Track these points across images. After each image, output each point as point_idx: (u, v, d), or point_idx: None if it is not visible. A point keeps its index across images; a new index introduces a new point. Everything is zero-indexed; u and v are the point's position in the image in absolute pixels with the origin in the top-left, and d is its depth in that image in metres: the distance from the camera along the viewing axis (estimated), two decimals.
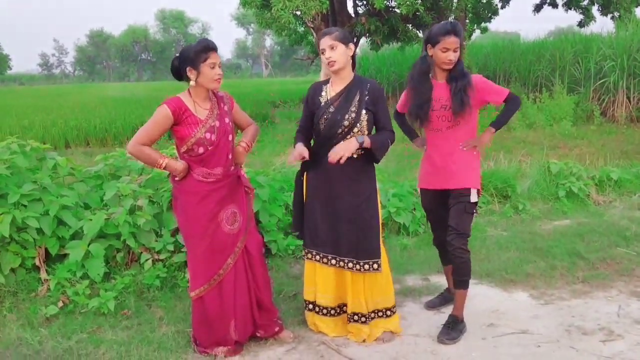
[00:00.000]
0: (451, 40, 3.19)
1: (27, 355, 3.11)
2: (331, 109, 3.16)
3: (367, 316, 3.30)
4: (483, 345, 3.26)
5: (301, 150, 3.13)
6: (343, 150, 3.05)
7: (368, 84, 3.19)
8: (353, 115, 3.12)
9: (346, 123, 3.12)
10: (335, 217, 3.23)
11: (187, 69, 2.96)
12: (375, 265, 3.22)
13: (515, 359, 3.09)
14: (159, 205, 4.18)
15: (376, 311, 3.32)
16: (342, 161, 3.05)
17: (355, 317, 3.31)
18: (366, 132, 3.16)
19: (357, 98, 3.14)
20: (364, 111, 3.13)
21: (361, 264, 3.21)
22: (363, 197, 3.21)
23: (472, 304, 3.69)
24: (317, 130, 3.23)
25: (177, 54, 3.05)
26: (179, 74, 3.04)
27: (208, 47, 2.96)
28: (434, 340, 3.30)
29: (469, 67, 17.21)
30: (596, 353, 3.13)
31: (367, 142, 3.12)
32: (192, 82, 2.98)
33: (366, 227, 3.21)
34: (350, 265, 3.23)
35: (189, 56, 2.95)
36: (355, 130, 3.13)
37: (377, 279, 3.27)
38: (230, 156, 3.12)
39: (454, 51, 3.22)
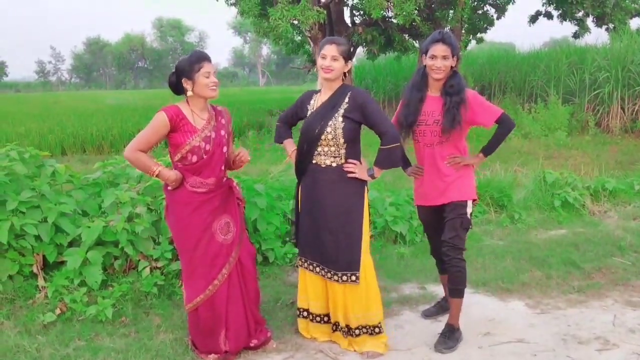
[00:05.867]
0: (438, 48, 3.23)
1: None
2: (311, 117, 3.23)
3: (342, 329, 3.30)
4: (479, 354, 3.27)
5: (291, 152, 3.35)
6: (358, 171, 3.17)
7: (349, 92, 3.18)
8: (327, 122, 3.14)
9: (319, 129, 3.15)
10: (319, 224, 3.24)
11: (183, 80, 3.03)
12: (353, 277, 3.18)
13: None
14: (157, 212, 4.19)
15: (360, 327, 3.26)
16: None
17: (341, 327, 3.32)
18: (341, 140, 3.13)
19: (336, 106, 3.16)
20: (340, 119, 3.13)
21: (339, 274, 3.20)
22: (343, 207, 3.19)
23: (469, 313, 3.71)
24: (300, 138, 3.30)
25: (173, 70, 3.10)
26: (178, 88, 3.09)
27: (201, 57, 3.04)
28: (431, 349, 3.31)
29: (465, 77, 17.29)
30: None
31: (377, 172, 3.20)
32: (189, 93, 3.04)
33: (345, 238, 3.19)
34: (329, 275, 3.23)
35: (184, 68, 3.02)
36: (330, 137, 3.14)
37: (356, 292, 3.21)
38: (223, 167, 3.16)
39: (443, 59, 3.24)
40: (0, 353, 3.20)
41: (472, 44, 20.76)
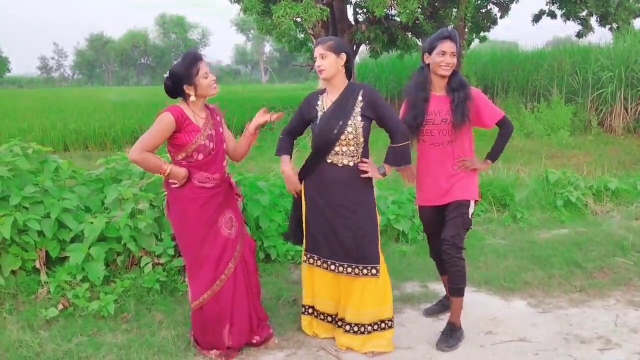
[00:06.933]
0: (448, 44, 3.25)
1: (27, 358, 3.11)
2: (326, 118, 3.19)
3: (351, 325, 3.26)
4: (481, 352, 3.27)
5: (295, 186, 3.31)
6: (371, 170, 3.18)
7: (361, 90, 3.18)
8: (347, 122, 3.12)
9: (338, 129, 3.13)
10: (333, 222, 3.22)
11: (185, 87, 3.04)
12: (374, 271, 3.20)
13: None
14: (160, 209, 4.19)
15: (372, 324, 3.24)
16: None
17: (347, 327, 3.28)
18: (361, 140, 3.14)
19: (351, 104, 3.15)
20: (359, 118, 3.13)
21: (360, 267, 3.20)
22: (358, 203, 3.20)
23: (471, 312, 3.71)
24: (313, 139, 3.26)
25: (167, 76, 3.10)
26: (175, 92, 3.10)
27: (195, 59, 3.04)
28: (432, 347, 3.31)
29: (468, 76, 17.30)
30: None
31: (388, 170, 3.21)
32: (192, 98, 3.05)
33: (363, 233, 3.20)
34: (349, 270, 3.22)
35: (182, 74, 3.02)
36: (351, 137, 3.13)
37: (374, 286, 3.22)
38: (225, 163, 3.19)
39: (452, 55, 3.25)
40: (3, 348, 3.21)
41: (475, 42, 20.74)
